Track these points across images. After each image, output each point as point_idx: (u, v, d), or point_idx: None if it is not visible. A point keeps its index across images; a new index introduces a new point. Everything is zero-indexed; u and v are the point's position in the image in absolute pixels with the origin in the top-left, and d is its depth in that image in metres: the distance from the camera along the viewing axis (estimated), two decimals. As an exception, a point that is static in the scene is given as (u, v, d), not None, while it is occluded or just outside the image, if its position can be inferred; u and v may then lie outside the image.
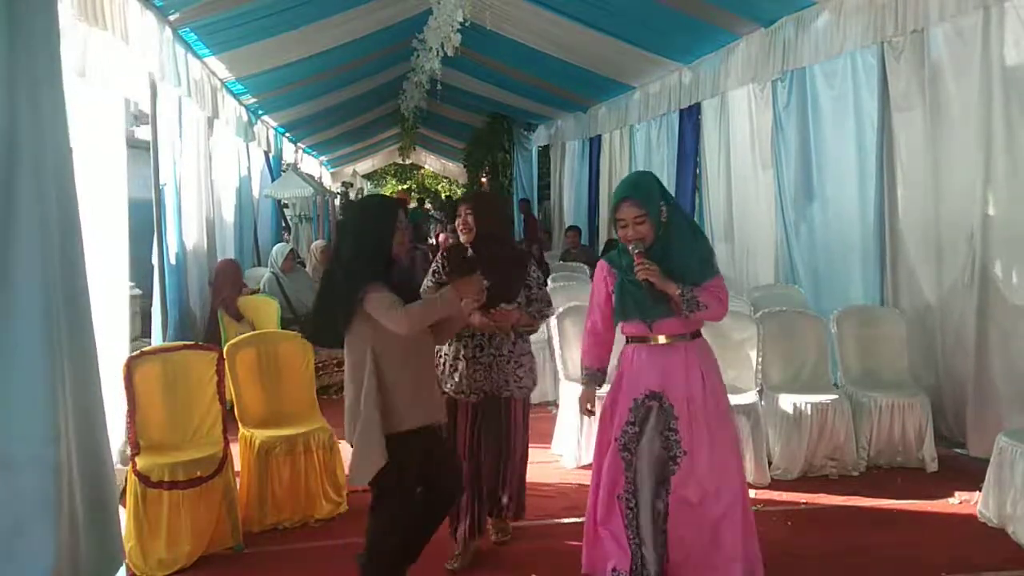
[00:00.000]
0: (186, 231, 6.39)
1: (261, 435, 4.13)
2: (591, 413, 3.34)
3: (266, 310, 6.62)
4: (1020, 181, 4.53)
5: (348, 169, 22.82)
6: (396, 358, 2.96)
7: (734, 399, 3.88)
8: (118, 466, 3.87)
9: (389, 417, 2.93)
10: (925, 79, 5.13)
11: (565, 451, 5.09)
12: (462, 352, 3.57)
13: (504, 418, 3.62)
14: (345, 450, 4.43)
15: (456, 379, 3.57)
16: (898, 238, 5.50)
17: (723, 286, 3.11)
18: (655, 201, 3.05)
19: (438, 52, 8.16)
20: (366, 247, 2.98)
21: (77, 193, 3.01)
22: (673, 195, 3.32)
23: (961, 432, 4.95)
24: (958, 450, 4.97)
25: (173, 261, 5.90)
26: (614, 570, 3.15)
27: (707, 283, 3.06)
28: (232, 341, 4.58)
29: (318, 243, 8.67)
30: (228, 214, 8.67)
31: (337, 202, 18.69)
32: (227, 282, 6.69)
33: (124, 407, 3.87)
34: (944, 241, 5.10)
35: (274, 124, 11.49)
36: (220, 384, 3.98)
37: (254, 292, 6.94)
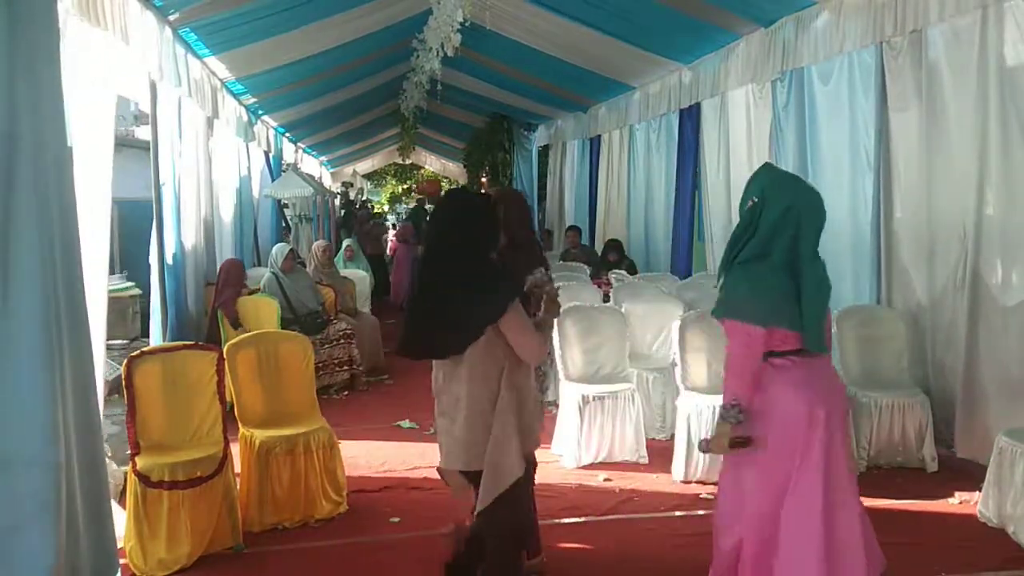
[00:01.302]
0: (184, 231, 6.38)
1: (261, 435, 4.13)
2: None
3: (266, 310, 6.62)
4: (1014, 182, 4.51)
5: (348, 169, 22.83)
6: (522, 371, 2.82)
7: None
8: (112, 466, 3.87)
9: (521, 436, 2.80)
10: (923, 80, 5.12)
11: (565, 451, 5.08)
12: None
13: None
14: (346, 450, 4.45)
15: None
16: (893, 238, 5.48)
17: (737, 330, 2.83)
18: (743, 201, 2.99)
19: (438, 52, 8.16)
20: (485, 252, 2.81)
21: (76, 193, 3.01)
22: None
23: (950, 433, 4.92)
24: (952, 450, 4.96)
25: (171, 261, 5.89)
26: None
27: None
28: (232, 341, 4.58)
29: (319, 243, 8.66)
30: (228, 214, 8.66)
31: (337, 202, 18.69)
32: (229, 282, 6.69)
33: (107, 407, 3.85)
34: (937, 241, 5.08)
35: (274, 124, 11.48)
36: (220, 384, 3.99)
37: (254, 292, 6.94)
